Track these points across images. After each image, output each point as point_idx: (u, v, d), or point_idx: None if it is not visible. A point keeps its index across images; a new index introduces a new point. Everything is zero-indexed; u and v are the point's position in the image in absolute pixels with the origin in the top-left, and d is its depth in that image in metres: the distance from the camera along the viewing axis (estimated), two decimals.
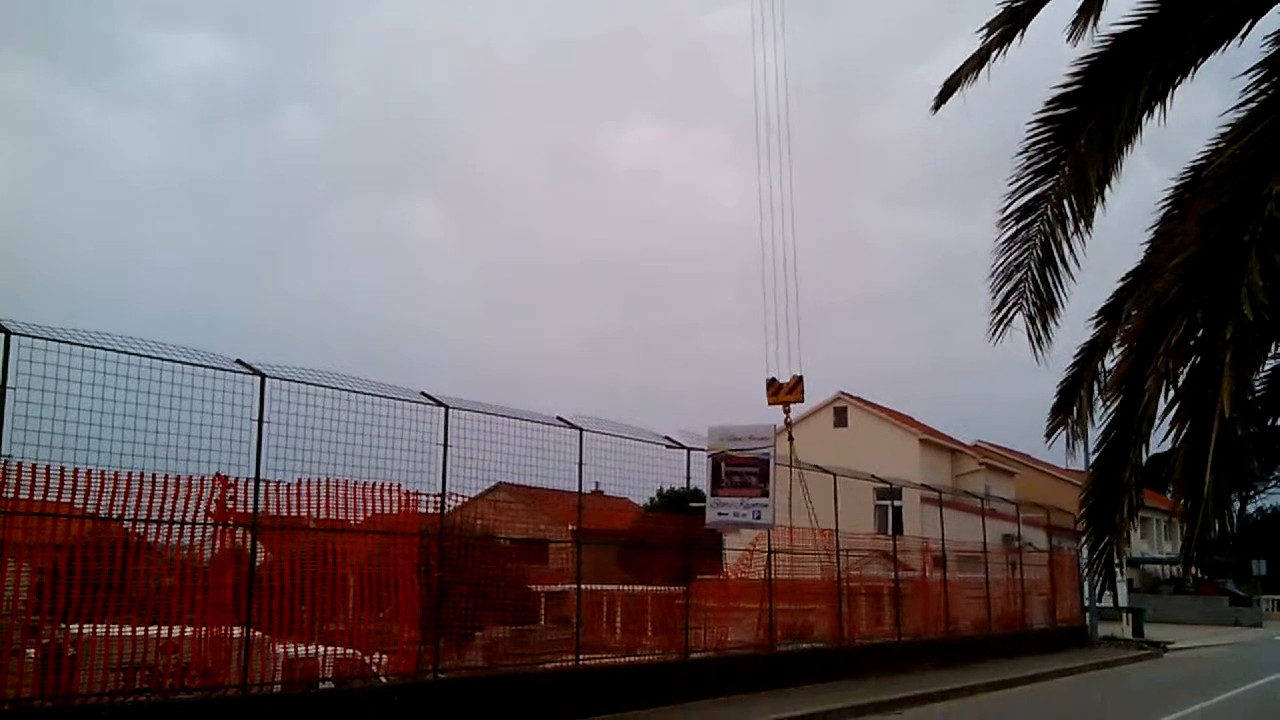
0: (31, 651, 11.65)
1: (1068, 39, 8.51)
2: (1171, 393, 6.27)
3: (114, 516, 12.32)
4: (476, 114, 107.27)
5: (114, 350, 12.03)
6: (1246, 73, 7.29)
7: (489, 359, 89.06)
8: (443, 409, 15.77)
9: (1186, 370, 6.16)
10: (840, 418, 48.12)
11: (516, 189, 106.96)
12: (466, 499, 17.12)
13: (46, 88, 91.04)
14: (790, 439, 22.40)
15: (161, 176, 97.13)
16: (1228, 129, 7.64)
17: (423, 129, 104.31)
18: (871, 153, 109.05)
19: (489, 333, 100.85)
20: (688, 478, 21.29)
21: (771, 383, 22.60)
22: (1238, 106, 7.33)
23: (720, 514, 20.60)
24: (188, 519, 12.85)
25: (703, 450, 20.73)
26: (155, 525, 12.64)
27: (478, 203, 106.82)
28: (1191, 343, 6.08)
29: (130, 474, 12.19)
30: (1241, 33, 8.27)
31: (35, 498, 11.62)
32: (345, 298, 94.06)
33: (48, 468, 11.58)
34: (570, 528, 19.79)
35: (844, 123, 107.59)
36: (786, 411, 22.86)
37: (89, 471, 11.88)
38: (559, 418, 18.00)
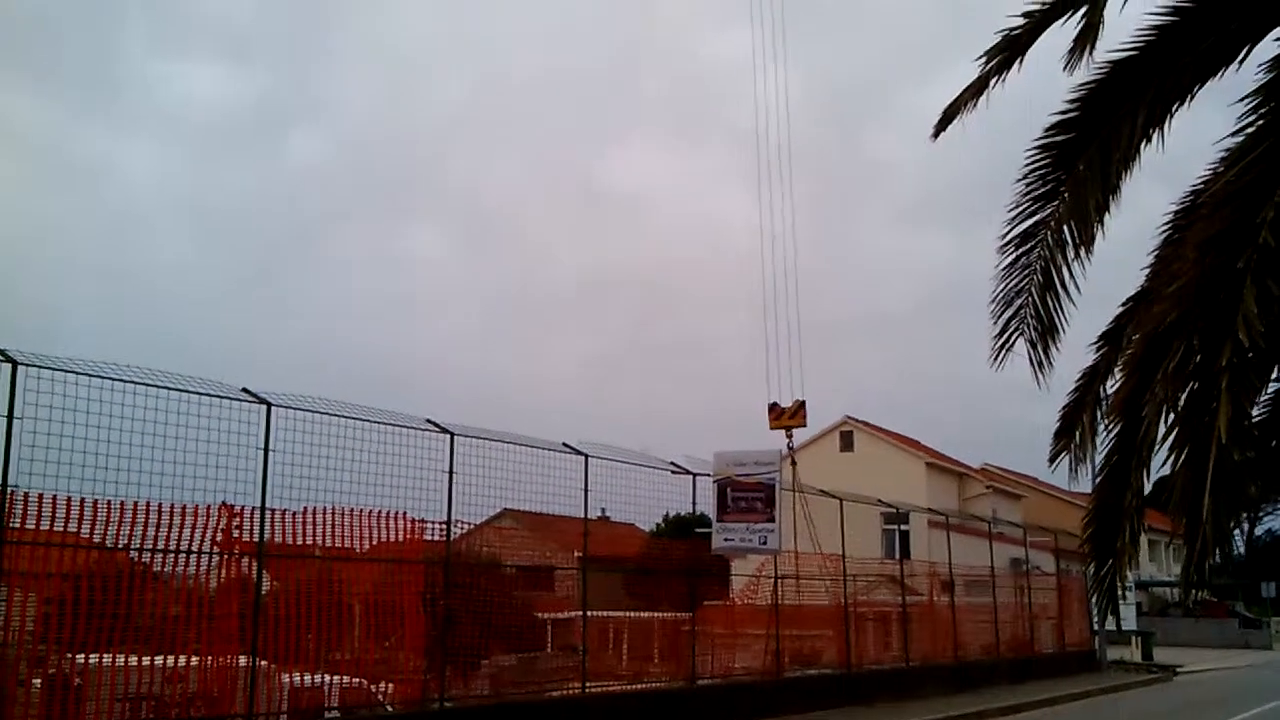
0: (38, 682, 11.65)
1: (1064, 68, 8.56)
2: (1170, 418, 6.29)
3: (120, 546, 12.36)
4: (480, 137, 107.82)
5: (120, 380, 12.10)
6: (1242, 99, 7.34)
7: (494, 383, 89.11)
8: (448, 436, 15.81)
9: (1185, 396, 6.18)
10: (846, 442, 48.07)
11: (519, 212, 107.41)
12: (472, 526, 17.13)
13: (48, 112, 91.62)
14: (793, 464, 22.40)
15: (164, 201, 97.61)
16: (1225, 155, 7.69)
17: (426, 153, 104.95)
18: (877, 174, 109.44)
19: (494, 356, 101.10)
20: (693, 503, 21.31)
21: (773, 407, 22.62)
22: (1234, 133, 7.36)
23: (726, 539, 20.58)
24: (193, 548, 12.89)
25: (708, 476, 20.72)
26: (161, 555, 12.67)
27: (481, 226, 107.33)
28: (1189, 369, 6.10)
29: (136, 503, 12.24)
30: (1239, 58, 8.31)
31: (41, 527, 11.66)
32: (348, 322, 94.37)
33: (54, 497, 11.63)
34: (576, 554, 19.78)
35: (849, 144, 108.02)
36: (789, 436, 22.87)
37: (95, 501, 11.93)
38: (564, 444, 18.04)
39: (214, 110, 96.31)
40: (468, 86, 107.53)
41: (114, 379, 12.04)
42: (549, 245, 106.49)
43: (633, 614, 22.96)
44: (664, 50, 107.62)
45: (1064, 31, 8.96)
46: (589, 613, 18.73)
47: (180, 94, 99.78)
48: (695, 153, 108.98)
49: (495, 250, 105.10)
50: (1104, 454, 7.51)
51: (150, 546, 12.51)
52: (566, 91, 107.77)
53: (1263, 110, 7.11)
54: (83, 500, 11.85)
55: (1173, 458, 6.15)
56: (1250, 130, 7.06)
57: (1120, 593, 7.41)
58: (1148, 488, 8.06)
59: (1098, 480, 7.53)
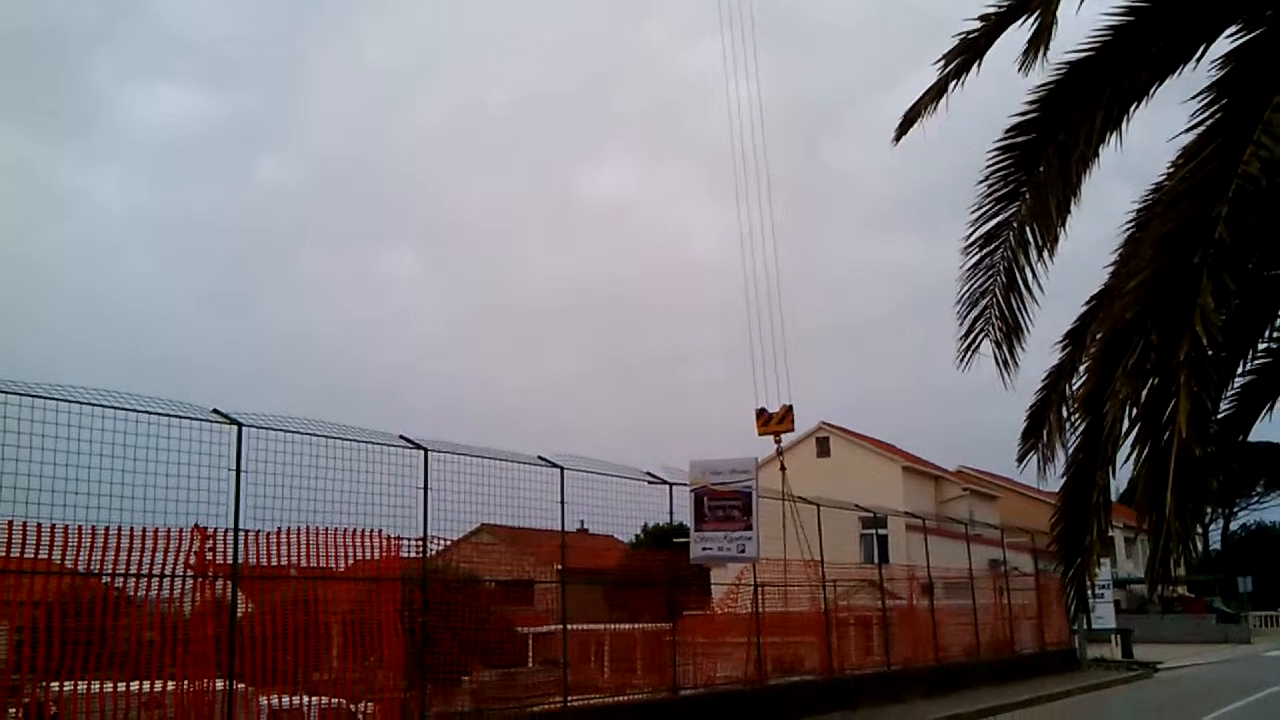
0: (13, 711, 11.55)
1: (1019, 69, 8.63)
2: (1133, 414, 6.34)
3: (92, 572, 12.26)
4: (452, 154, 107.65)
5: (88, 403, 12.01)
6: (1194, 96, 7.41)
7: (470, 399, 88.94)
8: (422, 452, 15.78)
9: (1145, 392, 6.23)
10: (823, 448, 48.13)
11: (491, 228, 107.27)
12: (450, 542, 17.10)
13: (20, 137, 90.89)
14: (782, 468, 22.42)
15: (131, 223, 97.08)
16: (1181, 152, 7.76)
17: (398, 168, 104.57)
18: (845, 181, 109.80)
19: (469, 372, 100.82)
20: (670, 513, 21.31)
21: (761, 413, 22.63)
22: (1189, 129, 7.44)
23: (704, 549, 20.57)
24: (167, 572, 12.80)
25: (684, 485, 20.73)
26: (135, 579, 12.58)
27: (454, 242, 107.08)
28: (1149, 365, 6.16)
29: (108, 528, 12.14)
30: (1196, 57, 8.39)
31: (12, 554, 11.56)
32: (322, 341, 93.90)
33: (24, 524, 11.51)
34: (555, 567, 19.76)
35: (815, 154, 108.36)
36: (778, 441, 22.89)
37: (65, 526, 11.83)
38: (539, 457, 18.02)
39: (182, 132, 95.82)
40: (438, 106, 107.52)
41: (81, 402, 11.95)
42: (522, 260, 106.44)
43: (613, 626, 22.94)
44: (634, 66, 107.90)
45: (1022, 34, 9.05)
46: (569, 626, 18.70)
47: (148, 116, 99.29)
48: (666, 167, 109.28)
49: (467, 266, 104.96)
50: (1070, 452, 7.57)
51: (123, 571, 12.42)
52: (538, 109, 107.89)
53: (1215, 107, 7.18)
54: (54, 526, 11.74)
55: (1135, 454, 6.20)
56: (1204, 127, 7.13)
57: (1090, 590, 7.45)
58: (1122, 485, 8.13)
59: (1064, 479, 7.58)
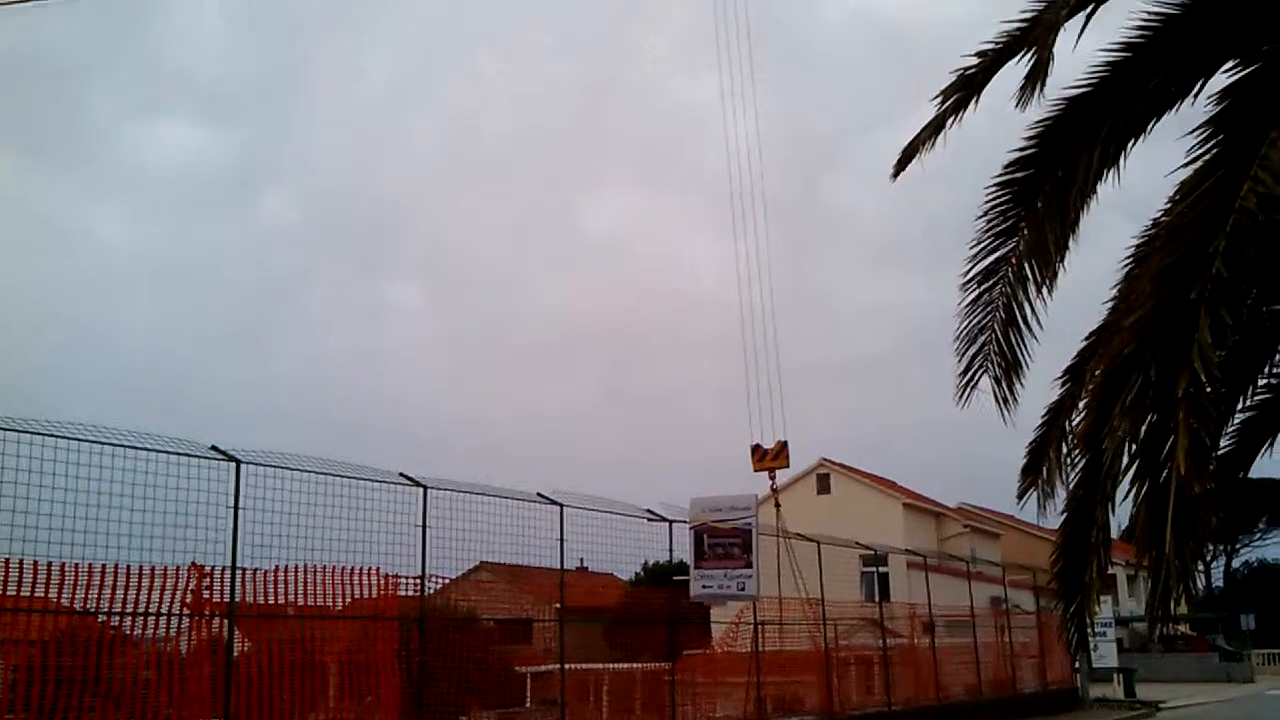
0: None
1: (1016, 105, 8.67)
2: (1131, 450, 6.32)
3: (89, 610, 12.20)
4: (452, 188, 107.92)
5: (86, 440, 11.98)
6: (1191, 132, 7.45)
7: (470, 432, 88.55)
8: (421, 489, 15.72)
9: (1144, 428, 6.21)
10: (823, 484, 48.02)
11: (492, 262, 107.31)
12: (448, 580, 17.01)
13: (20, 174, 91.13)
14: (777, 505, 22.32)
15: (133, 261, 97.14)
16: (1178, 187, 7.78)
17: (399, 204, 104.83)
18: (845, 217, 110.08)
19: (469, 406, 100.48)
20: (670, 550, 21.20)
21: (756, 449, 22.54)
22: (1186, 164, 7.47)
23: (704, 586, 20.46)
24: (164, 610, 12.73)
25: (684, 522, 20.64)
26: (131, 618, 12.51)
27: (454, 276, 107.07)
28: (1147, 401, 6.15)
29: (105, 566, 12.09)
30: (1194, 92, 8.44)
31: (8, 593, 11.50)
32: (320, 376, 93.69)
33: (20, 562, 11.49)
34: (554, 605, 19.64)
35: (817, 187, 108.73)
36: (772, 477, 22.77)
37: (63, 564, 11.78)
38: (539, 494, 17.95)
39: (182, 170, 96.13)
40: (436, 138, 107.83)
41: (79, 439, 11.92)
42: (521, 291, 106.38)
43: (612, 665, 22.77)
44: (634, 97, 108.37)
45: (1019, 70, 9.09)
46: (568, 665, 18.56)
47: (149, 154, 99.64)
48: (667, 200, 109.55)
49: (466, 298, 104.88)
50: (1070, 489, 7.54)
51: (120, 609, 12.35)
52: (537, 141, 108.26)
53: (1212, 142, 7.21)
54: (50, 564, 11.70)
55: (1135, 491, 6.17)
56: (1201, 163, 7.16)
57: (1091, 628, 7.41)
58: (1123, 522, 8.09)
59: (1064, 515, 7.56)
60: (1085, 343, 9.20)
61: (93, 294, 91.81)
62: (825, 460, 48.43)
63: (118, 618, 12.43)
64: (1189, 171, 7.45)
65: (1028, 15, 8.49)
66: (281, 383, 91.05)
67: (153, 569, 12.52)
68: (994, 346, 9.13)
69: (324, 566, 14.31)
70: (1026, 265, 8.93)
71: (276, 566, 13.77)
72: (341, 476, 14.62)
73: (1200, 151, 7.40)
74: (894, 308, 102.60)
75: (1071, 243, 8.82)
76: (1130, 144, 8.79)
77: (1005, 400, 9.13)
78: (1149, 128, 8.77)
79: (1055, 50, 8.34)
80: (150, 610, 12.58)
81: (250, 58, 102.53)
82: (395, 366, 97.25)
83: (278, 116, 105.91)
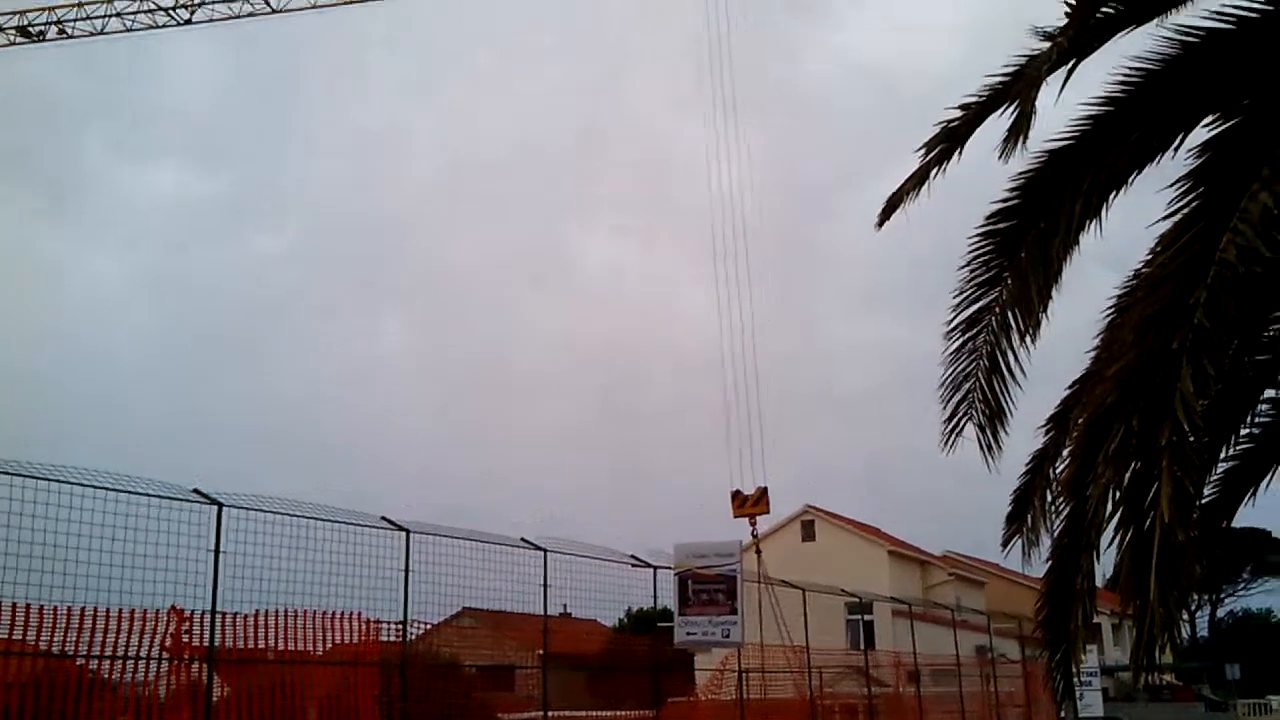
0: None
1: (999, 157, 8.74)
2: (1115, 498, 6.34)
3: (67, 653, 12.05)
4: (444, 222, 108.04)
5: (64, 481, 11.90)
6: (1172, 185, 7.53)
7: (456, 468, 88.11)
8: (404, 533, 15.64)
9: (1128, 477, 6.23)
10: (808, 531, 47.88)
11: (479, 290, 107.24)
12: (430, 625, 16.88)
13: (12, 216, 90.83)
14: (758, 551, 22.27)
15: (119, 296, 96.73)
16: (1159, 239, 7.85)
17: (389, 238, 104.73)
18: (830, 262, 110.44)
19: (455, 440, 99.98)
20: (654, 597, 21.11)
21: (736, 495, 22.53)
22: (1167, 216, 7.55)
23: (689, 633, 20.36)
24: (143, 654, 12.59)
25: (669, 569, 20.56)
26: (110, 661, 12.37)
27: (442, 310, 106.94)
28: (1130, 449, 6.17)
29: (84, 609, 11.97)
30: (1174, 146, 8.53)
31: None
32: (305, 413, 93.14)
33: None
34: (538, 652, 19.50)
35: (802, 232, 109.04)
36: (753, 524, 22.75)
37: (40, 607, 11.66)
38: (522, 539, 17.88)
39: (171, 207, 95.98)
40: (430, 170, 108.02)
41: (58, 480, 11.84)
42: (508, 331, 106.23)
43: (595, 713, 22.54)
44: (628, 133, 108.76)
45: (1002, 122, 9.18)
46: (551, 713, 18.39)
47: (139, 192, 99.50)
48: (656, 240, 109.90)
49: (454, 334, 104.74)
50: (1054, 537, 7.55)
51: (99, 653, 12.22)
52: (531, 174, 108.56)
53: (1193, 194, 7.29)
54: (28, 606, 11.58)
55: (1119, 539, 6.18)
56: (1181, 215, 7.24)
57: (1076, 677, 7.40)
58: (1108, 570, 8.09)
59: (1049, 563, 7.56)
60: (1069, 391, 9.23)
61: (71, 332, 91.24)
62: (810, 507, 48.34)
63: (96, 661, 12.29)
64: (1170, 224, 7.52)
65: (1010, 70, 8.59)
66: (265, 419, 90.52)
67: (132, 612, 12.40)
68: (978, 394, 9.15)
69: (305, 611, 14.22)
70: (1010, 314, 8.97)
71: (257, 610, 13.67)
72: (323, 520, 14.55)
73: (1181, 204, 7.48)
74: (880, 350, 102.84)
75: (1054, 292, 8.87)
76: (1112, 196, 8.86)
77: (990, 448, 9.14)
78: (1130, 180, 8.85)
79: (1038, 104, 8.44)
80: (129, 654, 12.44)
81: (235, 93, 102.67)
82: (386, 388, 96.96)
83: (264, 149, 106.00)
